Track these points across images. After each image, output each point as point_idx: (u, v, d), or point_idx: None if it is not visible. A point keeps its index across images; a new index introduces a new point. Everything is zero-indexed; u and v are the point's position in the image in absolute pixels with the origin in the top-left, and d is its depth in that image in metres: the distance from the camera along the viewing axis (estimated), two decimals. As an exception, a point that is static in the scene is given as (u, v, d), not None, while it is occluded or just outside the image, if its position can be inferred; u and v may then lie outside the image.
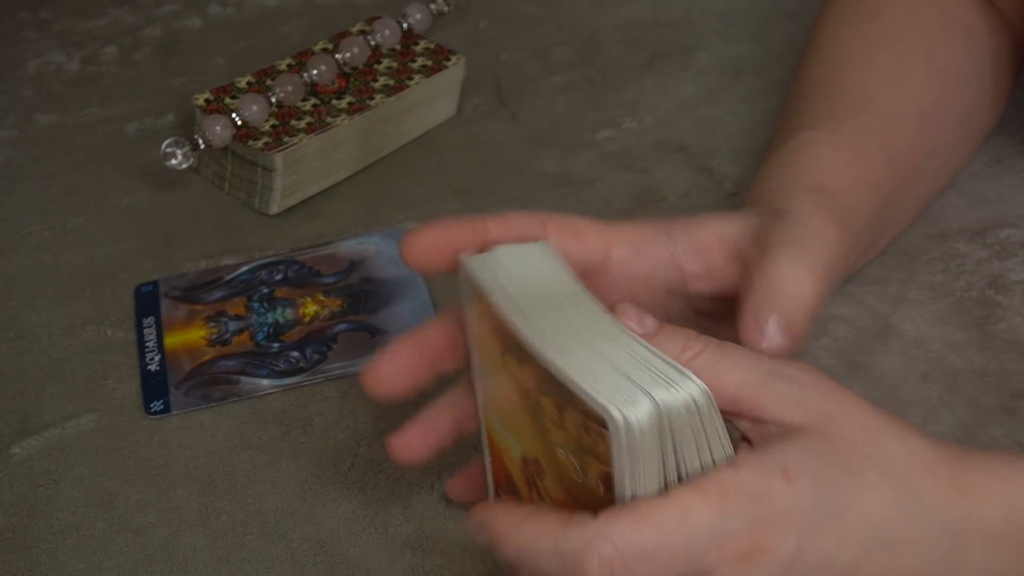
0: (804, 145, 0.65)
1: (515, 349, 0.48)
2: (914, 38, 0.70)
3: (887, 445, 0.48)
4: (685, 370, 0.46)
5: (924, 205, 0.72)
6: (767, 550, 0.45)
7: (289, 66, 0.82)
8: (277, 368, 0.68)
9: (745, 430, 0.49)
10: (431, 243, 0.53)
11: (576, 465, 0.47)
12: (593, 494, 0.47)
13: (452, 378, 0.55)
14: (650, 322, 0.49)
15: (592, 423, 0.45)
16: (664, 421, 0.45)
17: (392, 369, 0.53)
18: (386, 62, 0.83)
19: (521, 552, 0.47)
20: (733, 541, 0.45)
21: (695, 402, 0.45)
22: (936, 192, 0.73)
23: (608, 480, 0.46)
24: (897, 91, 0.68)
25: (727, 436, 0.47)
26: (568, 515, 0.46)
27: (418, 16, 0.85)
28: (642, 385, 0.45)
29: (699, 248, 0.56)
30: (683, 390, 0.45)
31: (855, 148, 0.64)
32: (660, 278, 0.56)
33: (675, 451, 0.46)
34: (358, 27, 0.85)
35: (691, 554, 0.44)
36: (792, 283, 0.52)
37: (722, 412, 0.47)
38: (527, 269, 0.50)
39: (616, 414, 0.44)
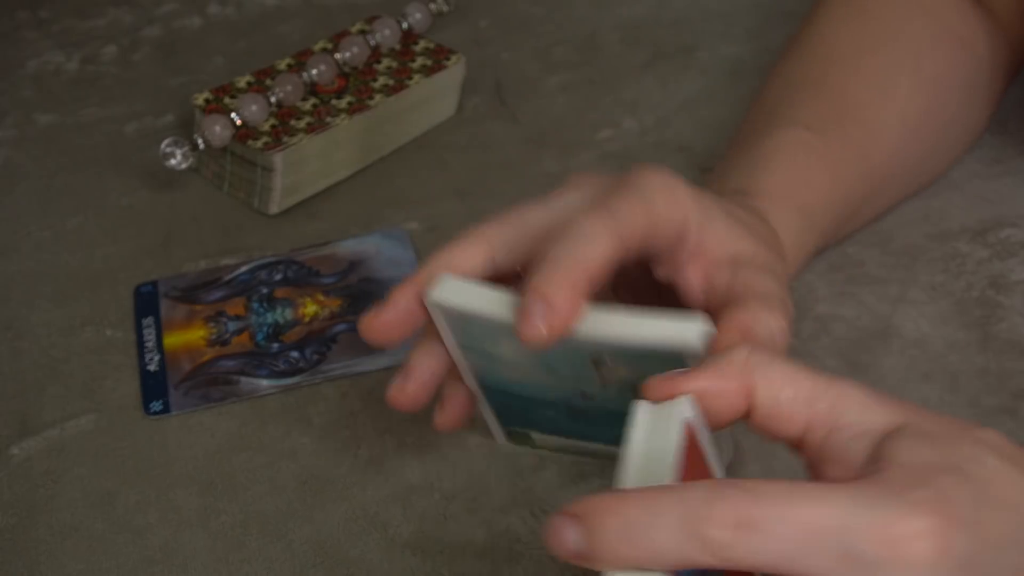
0: (796, 145, 0.65)
1: None
2: (903, 44, 0.70)
3: (988, 434, 0.44)
4: (694, 313, 0.49)
5: (892, 208, 0.73)
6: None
7: (289, 66, 0.82)
8: (277, 368, 0.68)
9: (819, 440, 0.44)
10: (390, 321, 0.55)
11: None
12: None
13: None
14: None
15: None
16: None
17: (417, 387, 0.56)
18: (386, 62, 0.83)
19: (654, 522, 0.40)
20: None
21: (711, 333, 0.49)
22: (910, 195, 0.73)
23: None
24: (882, 100, 0.68)
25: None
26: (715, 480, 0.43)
27: (418, 16, 0.85)
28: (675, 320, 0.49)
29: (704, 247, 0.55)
30: (702, 323, 0.49)
31: (839, 161, 0.66)
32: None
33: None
34: (358, 27, 0.85)
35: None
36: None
37: (786, 432, 0.44)
38: (476, 288, 0.52)
39: (691, 336, 0.49)
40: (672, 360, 0.48)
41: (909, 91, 0.69)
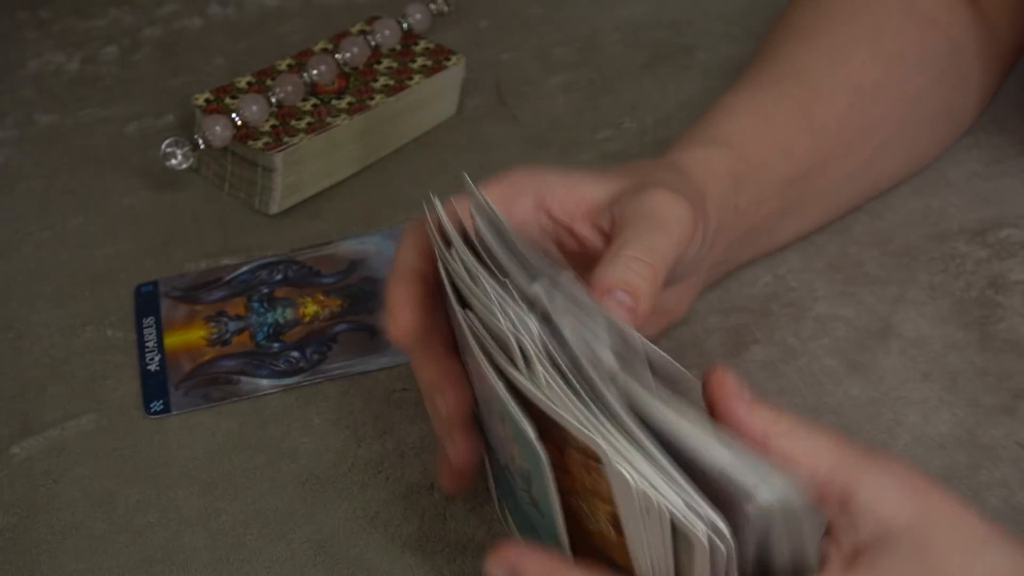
0: (718, 107, 0.67)
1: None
2: (864, 20, 0.70)
3: (989, 559, 0.44)
4: (775, 468, 0.42)
5: (868, 185, 0.72)
6: None
7: (289, 66, 0.82)
8: (277, 368, 0.68)
9: (830, 516, 0.45)
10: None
11: (587, 510, 0.47)
12: (606, 538, 0.46)
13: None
14: (747, 394, 0.46)
15: (592, 462, 0.44)
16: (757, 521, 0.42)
17: (461, 463, 0.55)
18: (386, 62, 0.83)
19: None
20: None
21: (787, 501, 0.42)
22: (893, 173, 0.73)
23: (617, 521, 0.45)
24: (832, 67, 0.68)
25: (815, 534, 0.44)
26: None
27: (418, 16, 0.85)
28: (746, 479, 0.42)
29: (566, 209, 0.56)
30: (777, 487, 0.42)
31: (770, 110, 0.66)
32: (536, 227, 0.57)
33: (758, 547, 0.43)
34: (358, 27, 0.85)
35: None
36: (634, 262, 0.51)
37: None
38: None
39: (702, 528, 0.42)
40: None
41: (864, 61, 0.69)
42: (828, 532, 0.45)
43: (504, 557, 0.46)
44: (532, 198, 0.56)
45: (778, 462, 0.44)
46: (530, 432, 0.44)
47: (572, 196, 0.56)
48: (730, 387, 0.46)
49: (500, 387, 0.45)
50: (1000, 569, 0.44)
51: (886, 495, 0.44)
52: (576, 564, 0.45)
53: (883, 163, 0.72)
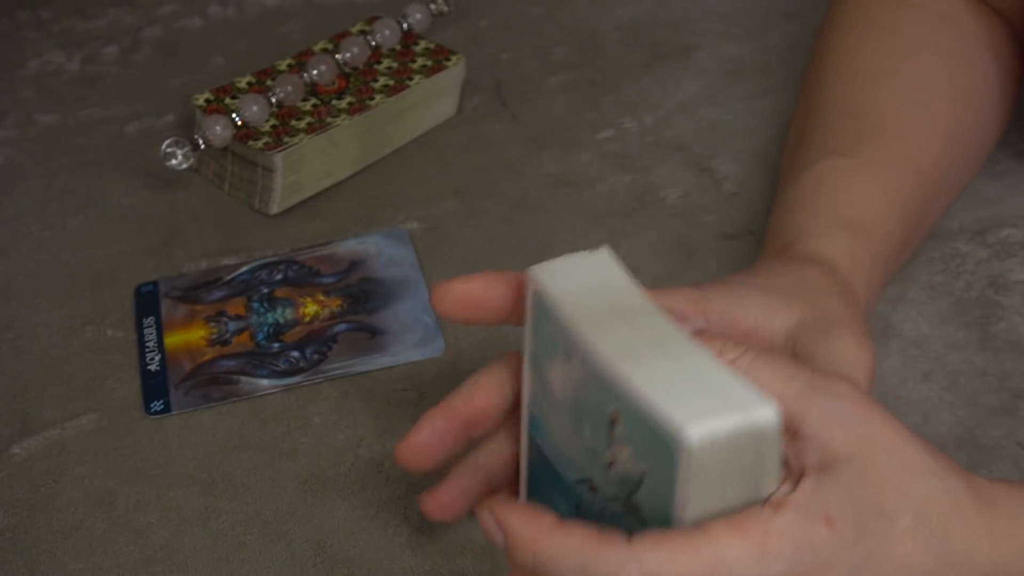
0: (835, 173, 0.64)
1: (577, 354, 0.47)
2: (936, 57, 0.69)
3: (923, 485, 0.46)
4: (759, 392, 0.43)
5: (941, 218, 0.71)
6: None
7: (289, 66, 0.82)
8: (277, 368, 0.68)
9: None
10: (463, 294, 0.52)
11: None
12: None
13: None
14: (700, 322, 0.47)
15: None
16: (733, 443, 0.43)
17: (426, 443, 0.53)
18: (386, 62, 0.83)
19: (542, 564, 0.44)
20: None
21: (766, 427, 0.43)
22: (951, 204, 0.72)
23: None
24: (922, 112, 0.67)
25: (780, 465, 0.45)
26: (599, 533, 0.44)
27: (418, 16, 0.85)
28: (712, 403, 0.43)
29: (731, 332, 0.53)
30: (756, 413, 0.43)
31: (886, 174, 0.64)
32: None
33: (731, 476, 0.44)
34: (358, 27, 0.85)
35: None
36: None
37: None
38: (591, 278, 0.49)
39: (689, 433, 0.42)
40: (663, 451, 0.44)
41: (947, 102, 0.67)
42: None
43: (491, 507, 0.46)
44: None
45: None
46: (673, 420, 0.43)
47: (741, 323, 0.53)
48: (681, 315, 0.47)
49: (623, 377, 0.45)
50: (934, 494, 0.46)
51: (832, 424, 0.45)
52: (564, 523, 0.45)
53: (955, 196, 0.71)
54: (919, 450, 0.47)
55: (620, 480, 0.46)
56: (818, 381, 0.46)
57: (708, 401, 0.43)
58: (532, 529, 0.45)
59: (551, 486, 0.51)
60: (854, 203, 0.62)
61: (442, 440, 0.53)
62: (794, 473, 0.46)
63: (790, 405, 0.46)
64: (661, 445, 0.43)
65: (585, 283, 0.48)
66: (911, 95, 0.67)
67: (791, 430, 0.46)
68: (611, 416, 0.45)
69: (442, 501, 0.55)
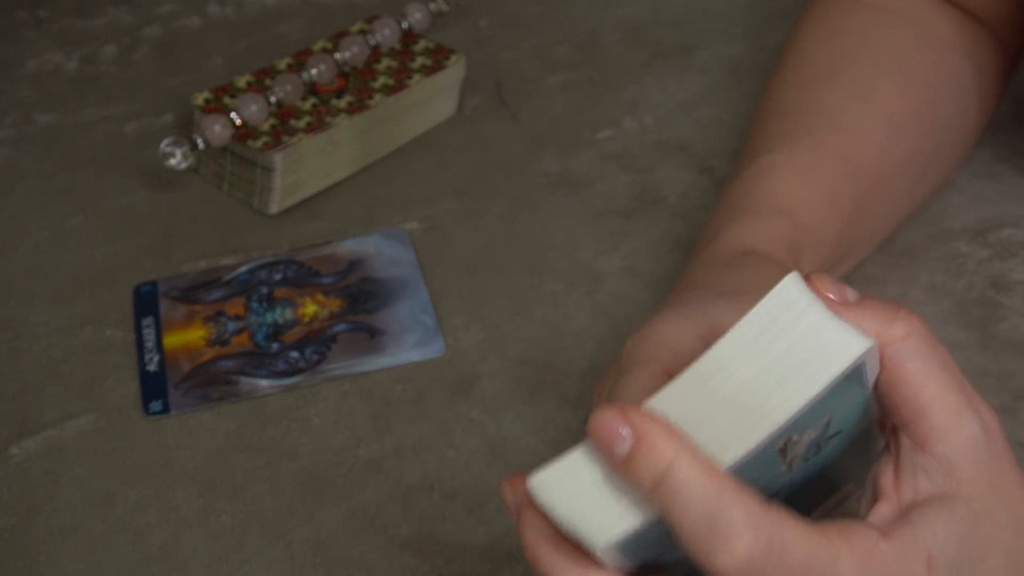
0: (762, 171, 0.65)
1: None
2: (884, 53, 0.70)
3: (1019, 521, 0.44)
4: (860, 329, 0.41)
5: (907, 213, 0.72)
6: None
7: (288, 66, 0.82)
8: (276, 368, 0.67)
9: (903, 445, 0.44)
10: None
11: None
12: None
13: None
14: (850, 293, 0.44)
15: None
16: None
17: None
18: (386, 62, 0.83)
19: (668, 486, 0.39)
20: None
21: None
22: (920, 200, 0.72)
23: None
24: (862, 105, 0.67)
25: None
26: (742, 484, 0.40)
27: (418, 15, 0.85)
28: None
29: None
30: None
31: (810, 165, 0.65)
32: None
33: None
34: (357, 26, 0.84)
35: None
36: None
37: (893, 409, 0.43)
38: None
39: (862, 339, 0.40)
40: (853, 382, 0.42)
41: (893, 93, 0.68)
42: (890, 457, 0.45)
43: (624, 413, 0.40)
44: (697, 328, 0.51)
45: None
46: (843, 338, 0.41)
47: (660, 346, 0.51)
48: (827, 289, 0.44)
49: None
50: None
51: (968, 456, 0.43)
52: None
53: (920, 189, 0.71)
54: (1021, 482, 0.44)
55: (804, 458, 0.44)
56: (972, 402, 0.44)
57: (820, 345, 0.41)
58: (676, 445, 0.40)
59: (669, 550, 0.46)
60: (776, 195, 0.63)
61: None
62: (904, 494, 0.44)
63: (939, 415, 0.43)
64: (841, 381, 0.41)
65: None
66: (853, 90, 0.68)
67: (922, 441, 0.44)
68: (780, 447, 0.43)
69: None
